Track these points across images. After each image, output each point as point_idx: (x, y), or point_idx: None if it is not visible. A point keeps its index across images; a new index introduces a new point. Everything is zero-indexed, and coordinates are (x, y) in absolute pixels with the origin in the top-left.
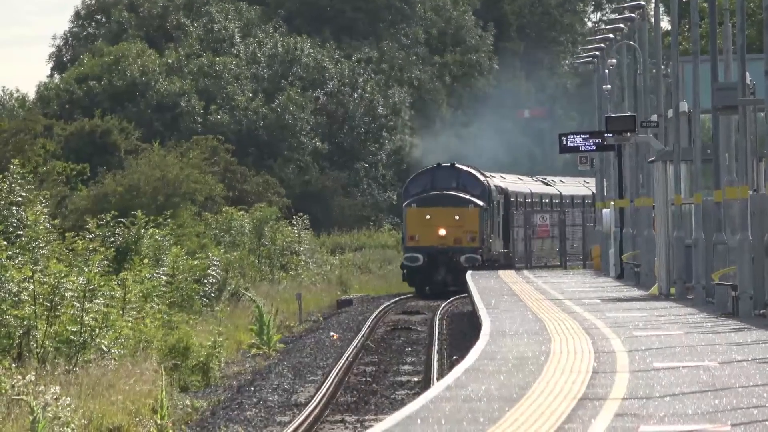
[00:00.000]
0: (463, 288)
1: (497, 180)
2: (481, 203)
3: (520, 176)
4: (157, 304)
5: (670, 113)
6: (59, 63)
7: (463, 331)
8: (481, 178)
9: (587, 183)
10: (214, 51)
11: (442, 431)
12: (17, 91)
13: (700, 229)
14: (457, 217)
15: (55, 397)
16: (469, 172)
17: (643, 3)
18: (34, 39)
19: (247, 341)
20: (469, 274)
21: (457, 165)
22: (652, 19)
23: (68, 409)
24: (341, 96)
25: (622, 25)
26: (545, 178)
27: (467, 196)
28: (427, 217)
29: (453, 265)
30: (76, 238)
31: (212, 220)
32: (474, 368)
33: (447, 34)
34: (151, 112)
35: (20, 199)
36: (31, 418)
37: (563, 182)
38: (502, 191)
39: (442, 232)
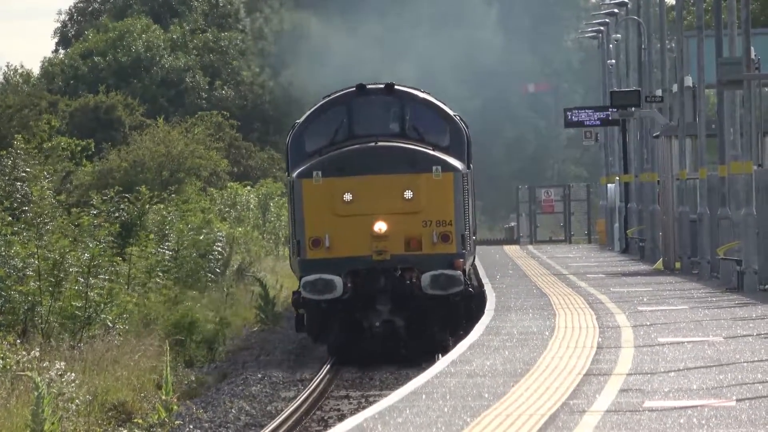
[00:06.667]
0: (431, 346)
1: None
2: (456, 164)
3: None
4: (161, 279)
5: (675, 88)
6: (64, 38)
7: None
8: (448, 111)
9: None
10: (219, 26)
11: (447, 407)
12: (21, 66)
13: (705, 204)
14: (409, 194)
15: (59, 372)
16: (426, 102)
17: None
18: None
19: (252, 317)
20: None
21: (398, 87)
22: None
23: (73, 384)
24: (345, 72)
25: (626, 0)
26: None
27: (427, 150)
28: (347, 197)
29: (405, 292)
30: (81, 213)
31: (217, 196)
32: (479, 343)
33: (451, 9)
34: (155, 87)
35: (24, 174)
36: (35, 393)
37: None
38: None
39: (381, 226)
